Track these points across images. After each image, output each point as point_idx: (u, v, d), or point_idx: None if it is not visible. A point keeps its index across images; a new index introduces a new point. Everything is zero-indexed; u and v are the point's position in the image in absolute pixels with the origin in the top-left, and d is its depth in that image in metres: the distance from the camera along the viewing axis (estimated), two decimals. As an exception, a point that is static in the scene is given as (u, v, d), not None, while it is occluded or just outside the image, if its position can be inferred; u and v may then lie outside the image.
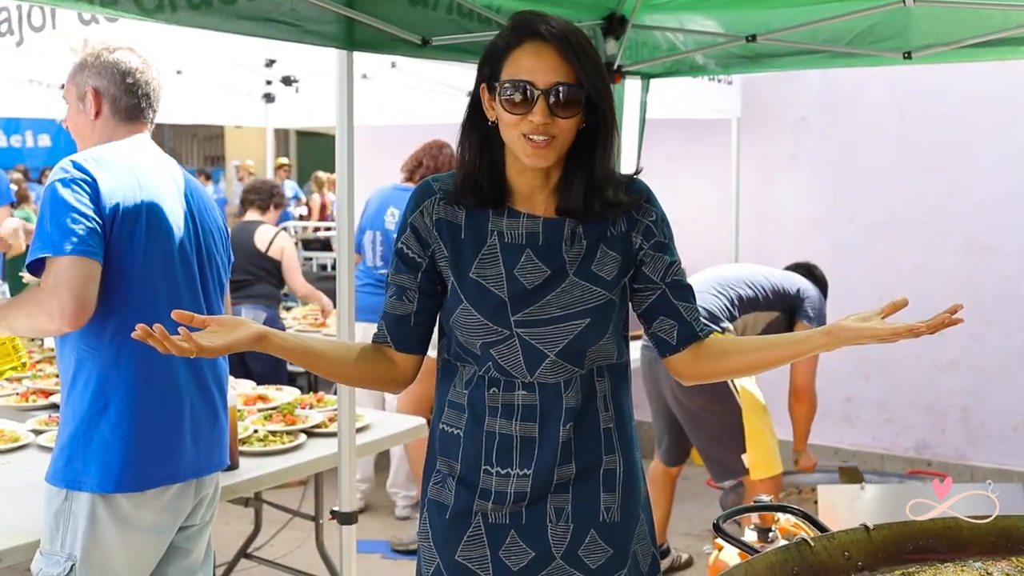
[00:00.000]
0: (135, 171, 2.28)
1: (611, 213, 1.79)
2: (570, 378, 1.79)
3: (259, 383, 4.87)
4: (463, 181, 1.80)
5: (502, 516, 1.81)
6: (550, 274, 1.78)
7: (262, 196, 5.56)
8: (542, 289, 1.77)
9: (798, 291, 4.15)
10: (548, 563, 1.81)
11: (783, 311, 4.13)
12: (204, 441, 2.38)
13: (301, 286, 5.57)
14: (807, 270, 4.45)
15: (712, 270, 4.17)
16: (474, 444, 1.82)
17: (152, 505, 2.25)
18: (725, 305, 3.99)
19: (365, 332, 4.88)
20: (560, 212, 1.80)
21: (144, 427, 2.22)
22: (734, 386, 3.91)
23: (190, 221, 2.40)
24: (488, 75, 1.75)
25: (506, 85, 1.69)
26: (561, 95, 1.67)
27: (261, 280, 5.33)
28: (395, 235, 1.86)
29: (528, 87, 1.67)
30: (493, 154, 1.79)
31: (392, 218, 5.02)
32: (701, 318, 1.90)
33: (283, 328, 5.37)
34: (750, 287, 4.08)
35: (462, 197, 1.80)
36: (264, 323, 5.10)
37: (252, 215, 5.55)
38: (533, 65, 1.68)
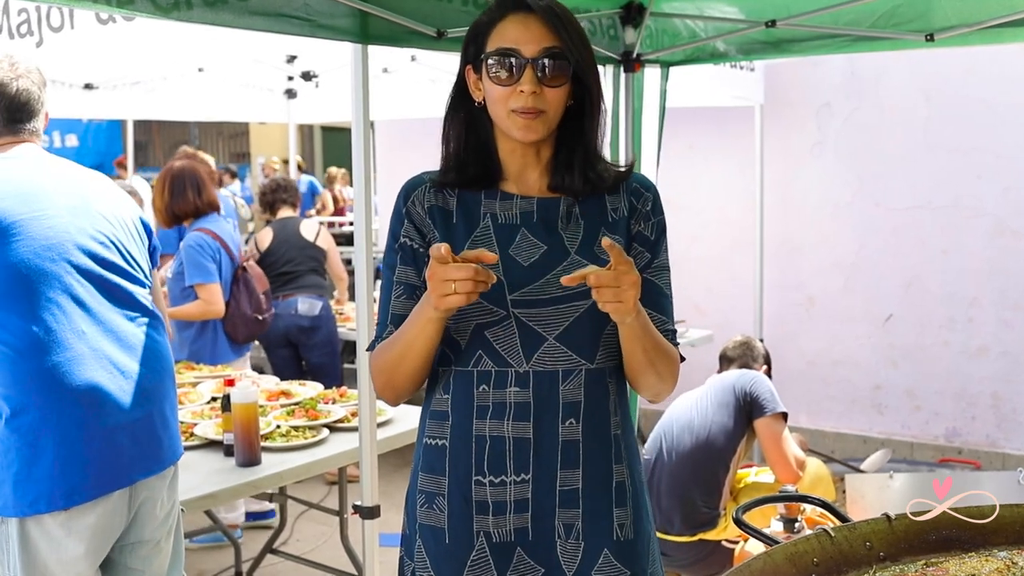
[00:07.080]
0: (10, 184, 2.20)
1: (603, 185, 1.75)
2: (571, 369, 1.68)
3: (315, 376, 4.95)
4: (447, 163, 1.77)
5: (506, 533, 1.69)
6: (547, 249, 1.71)
7: (290, 193, 5.70)
8: (541, 267, 1.69)
9: (746, 395, 3.68)
10: None
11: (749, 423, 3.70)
12: (133, 446, 2.22)
13: (342, 270, 5.82)
14: (743, 349, 3.99)
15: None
16: (463, 452, 1.69)
17: (82, 521, 2.14)
18: (705, 500, 3.65)
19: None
20: (553, 190, 1.75)
21: (59, 442, 2.11)
22: None
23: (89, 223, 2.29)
24: (473, 54, 1.72)
25: (492, 57, 1.66)
26: (548, 64, 1.64)
27: (311, 271, 5.46)
28: (390, 233, 1.78)
29: (515, 55, 1.64)
30: (479, 136, 1.75)
31: None
32: (668, 329, 1.76)
33: (334, 316, 5.51)
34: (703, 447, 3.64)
35: (445, 177, 1.76)
36: (319, 312, 5.29)
37: (286, 212, 5.65)
38: (519, 35, 1.65)
